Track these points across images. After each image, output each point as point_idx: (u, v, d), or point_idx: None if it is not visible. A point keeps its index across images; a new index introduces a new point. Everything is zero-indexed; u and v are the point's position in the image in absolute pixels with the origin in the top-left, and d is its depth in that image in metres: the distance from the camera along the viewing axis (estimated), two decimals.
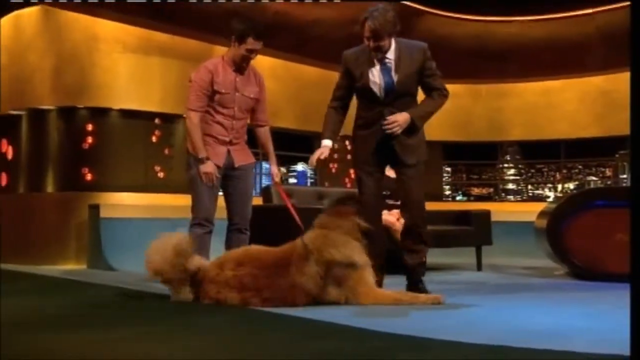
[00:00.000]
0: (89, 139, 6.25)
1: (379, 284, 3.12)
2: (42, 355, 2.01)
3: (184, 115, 6.50)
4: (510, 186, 9.70)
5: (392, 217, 4.76)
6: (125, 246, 5.58)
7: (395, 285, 3.28)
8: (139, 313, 2.90)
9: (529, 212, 6.38)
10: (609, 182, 9.16)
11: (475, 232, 5.21)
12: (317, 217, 3.11)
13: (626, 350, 1.60)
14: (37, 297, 3.73)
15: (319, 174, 8.22)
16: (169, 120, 6.68)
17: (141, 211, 5.94)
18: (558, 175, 9.49)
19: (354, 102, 3.38)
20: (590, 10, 7.36)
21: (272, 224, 4.03)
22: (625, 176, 8.67)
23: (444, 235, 4.85)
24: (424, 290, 3.16)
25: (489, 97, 8.93)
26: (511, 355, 1.90)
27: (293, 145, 8.03)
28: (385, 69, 3.17)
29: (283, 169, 8.64)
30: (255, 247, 3.22)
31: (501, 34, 7.88)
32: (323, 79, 7.86)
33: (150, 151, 6.54)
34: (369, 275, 3.00)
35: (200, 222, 3.43)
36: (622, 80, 6.37)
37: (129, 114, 6.39)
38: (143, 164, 6.49)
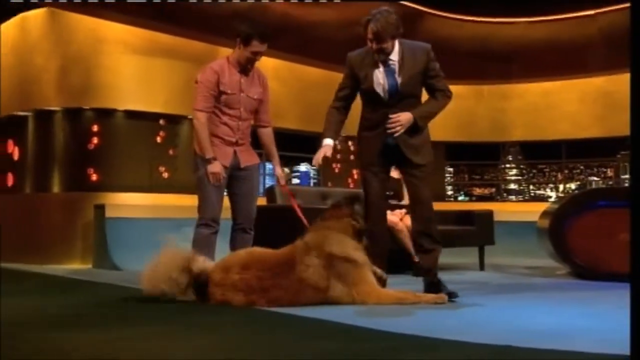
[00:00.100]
0: (95, 140, 6.30)
1: (383, 283, 3.13)
2: (49, 355, 2.02)
3: (189, 117, 6.65)
4: (512, 186, 9.73)
5: (395, 217, 4.79)
6: (131, 246, 5.61)
7: (399, 284, 3.30)
8: (144, 313, 2.91)
9: (530, 212, 6.41)
10: (610, 183, 9.18)
11: (477, 232, 5.23)
12: (314, 221, 3.18)
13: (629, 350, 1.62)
14: (44, 297, 3.74)
15: (322, 174, 8.25)
16: (173, 121, 6.72)
17: (146, 211, 5.98)
18: (560, 176, 9.51)
19: (357, 103, 3.40)
20: (592, 12, 7.38)
21: (276, 224, 4.05)
22: (626, 176, 8.70)
23: (446, 235, 4.84)
24: (445, 291, 3.11)
25: (491, 98, 8.96)
26: (516, 355, 1.90)
27: (296, 145, 8.07)
28: (389, 71, 3.18)
29: (286, 170, 8.68)
30: (258, 250, 3.25)
31: (503, 35, 7.91)
32: (326, 80, 7.89)
33: (154, 152, 6.59)
34: (371, 275, 3.04)
35: (207, 222, 3.45)
36: (623, 81, 6.37)
37: (133, 115, 6.43)
38: (148, 165, 6.54)
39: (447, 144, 8.85)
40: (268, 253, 3.12)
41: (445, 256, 5.66)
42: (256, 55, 3.45)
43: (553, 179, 9.64)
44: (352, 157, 8.43)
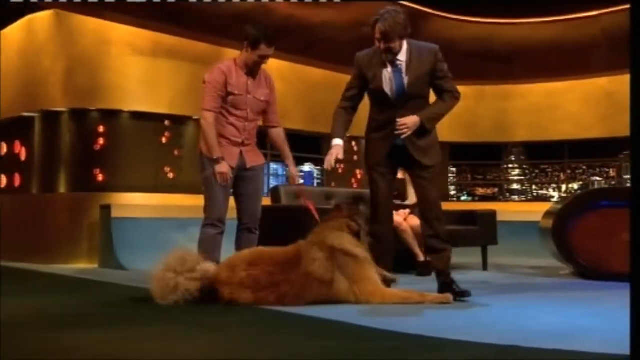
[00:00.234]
0: (101, 141, 6.33)
1: (388, 284, 3.16)
2: (53, 355, 2.03)
3: (194, 117, 6.69)
4: (515, 186, 9.75)
5: (399, 218, 4.82)
6: (136, 246, 5.66)
7: (404, 284, 3.33)
8: (149, 313, 2.92)
9: (533, 212, 6.43)
10: (613, 183, 9.19)
11: (480, 232, 5.25)
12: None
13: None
14: (51, 296, 3.77)
15: (326, 174, 8.29)
16: (178, 121, 6.75)
17: (151, 211, 6.01)
18: (562, 176, 9.52)
19: (364, 104, 3.41)
20: (595, 13, 7.38)
21: (280, 224, 4.09)
22: (629, 176, 8.71)
23: (449, 235, 4.89)
24: (458, 290, 3.13)
25: (493, 99, 8.98)
26: (520, 355, 1.92)
27: (300, 146, 8.09)
28: (396, 71, 3.18)
29: None
30: (263, 248, 3.31)
31: (506, 36, 7.92)
32: (330, 81, 7.93)
33: (160, 152, 6.61)
34: (374, 273, 3.08)
35: (213, 222, 3.47)
36: (626, 81, 6.36)
37: (139, 116, 6.46)
38: (153, 165, 6.56)
39: (450, 144, 8.86)
40: (274, 250, 3.17)
41: None
42: (264, 58, 3.48)
43: (556, 179, 9.65)
44: (355, 157, 8.46)
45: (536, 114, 8.82)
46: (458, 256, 5.69)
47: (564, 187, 9.48)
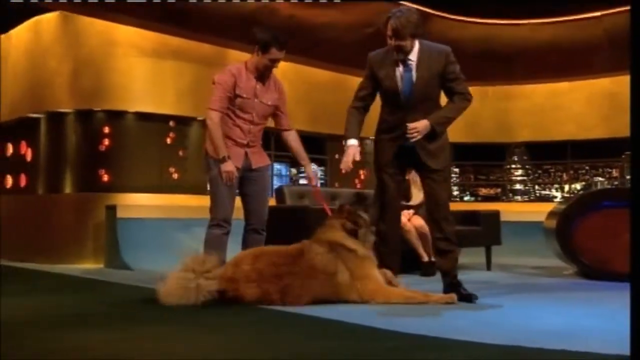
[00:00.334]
0: (106, 141, 6.36)
1: (388, 280, 3.17)
2: (60, 354, 2.04)
3: (199, 118, 6.72)
4: (518, 187, 9.77)
5: (403, 218, 4.84)
6: (142, 245, 5.69)
7: (409, 284, 3.33)
8: (154, 313, 2.93)
9: (536, 212, 6.46)
10: (615, 183, 9.21)
11: (484, 232, 5.26)
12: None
13: None
14: (57, 296, 3.78)
15: (329, 175, 8.32)
16: (183, 122, 6.78)
17: (156, 211, 6.05)
18: (565, 176, 9.54)
19: (373, 106, 3.41)
20: (598, 13, 7.39)
21: (285, 224, 4.12)
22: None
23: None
24: (465, 293, 3.13)
25: (496, 99, 9.00)
26: (527, 355, 1.92)
27: (303, 146, 8.12)
28: (407, 70, 3.16)
29: (294, 170, 8.75)
30: (267, 247, 3.39)
31: (509, 36, 7.94)
32: (333, 82, 7.97)
33: (164, 153, 6.65)
34: (375, 271, 3.10)
35: (219, 222, 3.48)
36: (628, 82, 6.40)
37: (144, 117, 6.49)
38: (158, 166, 6.60)
39: (452, 144, 8.84)
40: (278, 247, 3.23)
41: None
42: (274, 62, 3.49)
43: (558, 179, 9.67)
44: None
45: (539, 115, 8.84)
46: (461, 256, 5.67)
47: (566, 187, 9.50)
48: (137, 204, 6.20)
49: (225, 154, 3.42)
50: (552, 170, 9.71)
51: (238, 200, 3.64)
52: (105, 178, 6.35)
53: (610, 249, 4.19)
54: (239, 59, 7.01)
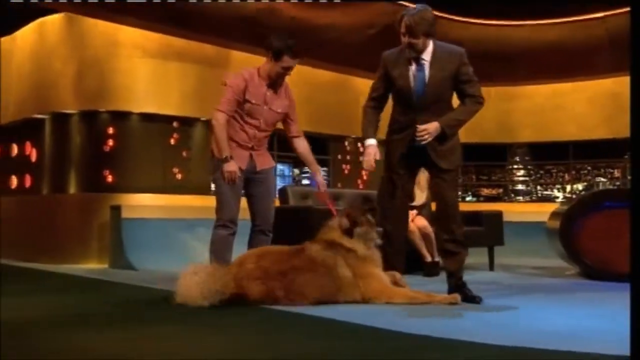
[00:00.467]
0: (110, 142, 6.39)
1: (396, 282, 3.19)
2: (66, 354, 2.06)
3: (203, 118, 6.75)
4: (520, 187, 9.78)
5: None
6: (146, 246, 5.73)
7: (411, 285, 3.31)
8: (159, 313, 2.96)
9: (537, 212, 6.48)
10: (617, 184, 9.22)
11: (487, 232, 5.29)
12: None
13: None
14: (62, 296, 3.80)
15: (332, 175, 8.35)
16: (186, 123, 6.81)
17: (160, 212, 6.08)
18: (567, 176, 9.55)
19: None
20: (600, 14, 7.41)
21: (288, 224, 4.14)
22: None
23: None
24: (470, 294, 3.14)
25: (498, 100, 9.02)
26: (531, 356, 1.93)
27: None
28: (420, 70, 3.15)
29: (296, 170, 8.78)
30: (270, 246, 3.45)
31: (511, 37, 7.95)
32: (335, 82, 8.00)
33: (168, 153, 6.67)
34: (379, 271, 3.12)
35: (225, 223, 3.50)
36: None
37: (148, 118, 6.52)
38: (162, 166, 6.62)
39: None
40: (281, 247, 3.29)
41: None
42: (287, 70, 3.52)
43: (560, 179, 9.68)
44: (361, 158, 8.50)
45: (541, 115, 8.86)
46: None
47: (568, 187, 9.51)
48: (142, 204, 6.22)
49: (228, 154, 3.45)
50: (554, 170, 9.71)
51: (244, 201, 3.67)
52: (110, 178, 6.38)
53: (613, 249, 4.20)
54: (242, 60, 7.08)
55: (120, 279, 4.67)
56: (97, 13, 6.14)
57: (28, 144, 7.04)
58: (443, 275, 3.45)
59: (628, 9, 6.95)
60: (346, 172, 8.36)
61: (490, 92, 8.96)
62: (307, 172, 9.32)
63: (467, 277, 3.29)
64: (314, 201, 5.00)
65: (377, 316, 2.68)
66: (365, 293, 3.05)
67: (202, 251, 4.78)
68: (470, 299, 3.12)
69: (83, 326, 2.60)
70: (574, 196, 8.85)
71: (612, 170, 9.45)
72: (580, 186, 9.44)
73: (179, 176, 6.74)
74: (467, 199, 9.73)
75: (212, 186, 6.87)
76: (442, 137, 3.16)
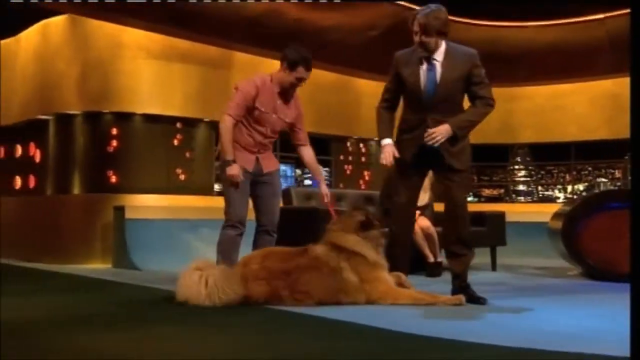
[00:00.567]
0: (114, 143, 6.41)
1: (401, 283, 3.21)
2: (69, 354, 2.06)
3: (205, 119, 6.77)
4: (521, 187, 9.81)
5: None
6: (149, 246, 5.75)
7: (414, 284, 3.34)
8: (162, 313, 2.97)
9: (539, 212, 6.50)
10: (618, 184, 9.25)
11: (489, 233, 5.31)
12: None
13: None
14: (66, 296, 3.81)
15: (334, 176, 8.37)
16: (190, 124, 6.83)
17: (164, 212, 6.11)
18: (568, 177, 9.58)
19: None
20: (600, 16, 7.44)
21: (291, 225, 4.16)
22: None
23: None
24: (474, 295, 3.15)
25: (499, 100, 9.00)
26: (539, 357, 1.94)
27: None
28: (430, 69, 3.15)
29: (298, 171, 8.81)
30: (275, 247, 3.47)
31: (512, 38, 7.98)
32: (338, 83, 8.03)
33: (172, 154, 6.69)
34: (385, 273, 3.13)
35: (234, 224, 3.54)
36: None
37: (151, 119, 6.54)
38: (165, 167, 6.64)
39: None
40: (285, 248, 3.31)
41: None
42: (300, 81, 3.56)
43: (561, 180, 9.71)
44: (363, 159, 8.55)
45: (542, 116, 8.88)
46: None
47: (569, 188, 9.54)
48: (145, 204, 6.24)
49: (231, 158, 3.50)
50: (555, 171, 9.74)
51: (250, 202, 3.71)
52: (113, 179, 6.40)
53: (616, 250, 4.20)
54: (245, 61, 7.11)
55: (123, 279, 4.70)
56: (101, 14, 6.16)
57: (32, 145, 7.06)
58: (445, 276, 3.47)
59: (628, 10, 6.98)
60: (348, 172, 8.39)
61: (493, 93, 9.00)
62: (309, 173, 9.35)
63: (470, 277, 3.31)
64: (317, 202, 5.03)
65: (382, 317, 2.70)
66: (370, 296, 3.06)
67: (205, 251, 4.83)
68: (475, 300, 3.13)
69: (86, 326, 2.61)
70: (574, 197, 8.88)
71: (612, 171, 9.48)
72: (581, 187, 9.47)
73: (182, 177, 6.76)
74: (469, 199, 9.75)
75: (215, 186, 6.98)
76: (453, 139, 3.15)
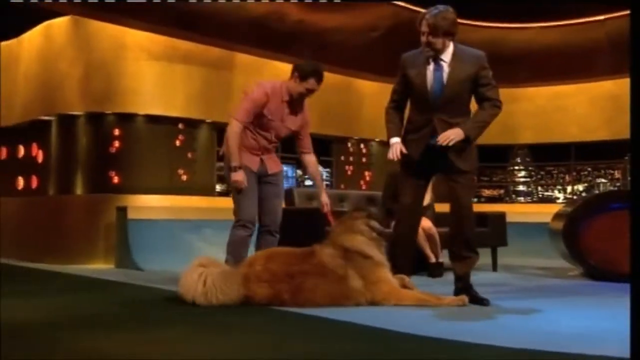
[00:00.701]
0: (116, 143, 6.44)
1: (404, 285, 3.21)
2: (75, 354, 2.07)
3: (207, 120, 6.80)
4: (521, 188, 9.84)
5: None
6: (152, 246, 5.76)
7: (416, 285, 3.33)
8: (164, 314, 2.98)
9: (539, 213, 6.52)
10: (618, 185, 9.28)
11: (490, 233, 5.32)
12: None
13: None
14: (69, 296, 3.82)
15: (335, 176, 8.40)
16: (192, 125, 6.85)
17: (166, 213, 6.12)
18: (568, 178, 9.61)
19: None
20: (600, 17, 7.47)
21: (294, 225, 4.17)
22: None
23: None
24: (477, 296, 3.15)
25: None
26: (541, 358, 1.95)
27: None
28: (437, 70, 3.15)
29: (299, 172, 8.83)
30: (279, 248, 3.47)
31: (513, 39, 8.01)
32: (339, 84, 8.04)
33: (174, 155, 6.72)
34: (389, 274, 3.13)
35: (245, 224, 3.58)
36: None
37: (153, 119, 6.56)
38: (167, 168, 6.67)
39: None
40: (290, 248, 3.28)
41: None
42: (309, 92, 3.61)
43: (561, 180, 9.74)
44: (364, 159, 8.58)
45: (542, 117, 8.91)
46: None
47: (569, 188, 9.57)
48: (147, 205, 6.26)
49: (237, 164, 3.53)
50: (555, 171, 9.77)
51: None
52: (116, 180, 6.43)
53: (617, 250, 4.22)
54: (247, 62, 7.14)
55: (126, 279, 4.70)
56: (103, 16, 6.18)
57: (34, 146, 7.07)
58: (447, 276, 3.47)
59: (628, 11, 7.02)
60: (349, 173, 8.41)
61: None
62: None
63: (471, 278, 3.31)
64: (319, 203, 5.05)
65: (385, 318, 2.69)
66: (374, 297, 3.06)
67: (208, 252, 4.84)
68: (478, 300, 3.14)
69: (89, 326, 2.61)
70: (574, 197, 8.91)
71: (612, 172, 9.51)
72: (581, 187, 9.50)
73: (184, 177, 6.79)
74: None
75: (217, 187, 7.00)
76: (465, 141, 3.12)
